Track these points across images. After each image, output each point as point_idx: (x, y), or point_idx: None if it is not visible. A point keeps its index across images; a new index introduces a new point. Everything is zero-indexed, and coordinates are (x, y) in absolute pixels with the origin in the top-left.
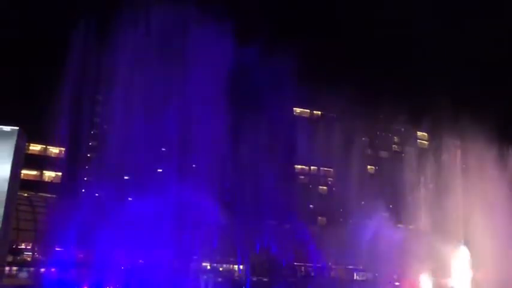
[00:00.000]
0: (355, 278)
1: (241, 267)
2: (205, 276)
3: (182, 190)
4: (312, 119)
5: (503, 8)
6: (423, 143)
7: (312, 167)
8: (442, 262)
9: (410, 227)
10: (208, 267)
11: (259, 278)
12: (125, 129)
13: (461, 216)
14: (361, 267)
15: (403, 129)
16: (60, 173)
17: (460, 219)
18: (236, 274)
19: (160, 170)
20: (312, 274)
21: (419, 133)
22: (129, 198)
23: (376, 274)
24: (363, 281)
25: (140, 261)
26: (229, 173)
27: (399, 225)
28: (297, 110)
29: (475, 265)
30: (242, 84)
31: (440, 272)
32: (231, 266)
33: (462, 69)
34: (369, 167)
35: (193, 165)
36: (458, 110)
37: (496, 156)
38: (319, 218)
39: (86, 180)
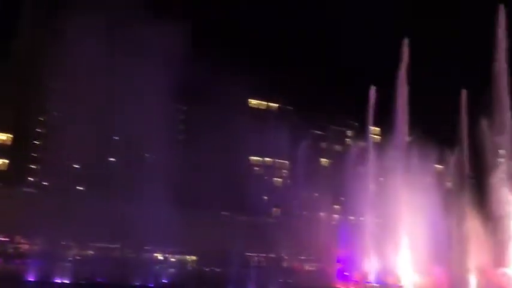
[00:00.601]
0: (306, 268)
1: (193, 258)
2: (157, 267)
3: (133, 181)
4: (268, 111)
5: None
6: (376, 137)
7: (267, 159)
8: None
9: (361, 219)
10: (161, 257)
11: (212, 268)
12: (75, 118)
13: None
14: (312, 258)
15: (357, 124)
16: (7, 161)
17: (401, 215)
18: (189, 265)
19: (113, 159)
20: (264, 264)
21: (372, 128)
22: (79, 188)
23: (324, 265)
24: (313, 271)
25: (90, 252)
26: (181, 164)
27: (350, 218)
28: (253, 101)
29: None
30: (195, 75)
31: None
32: (184, 256)
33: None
34: (322, 160)
35: (146, 155)
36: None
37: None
38: (274, 209)
39: (34, 168)
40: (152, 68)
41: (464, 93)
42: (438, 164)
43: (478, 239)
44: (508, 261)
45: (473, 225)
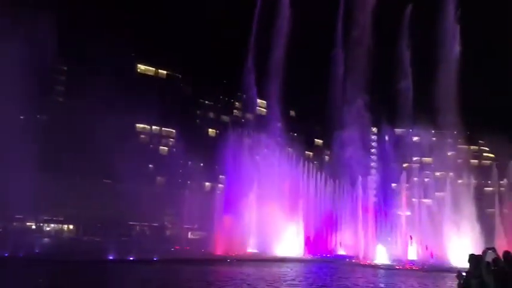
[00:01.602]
0: (189, 236)
1: (70, 227)
2: (29, 236)
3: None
4: (156, 77)
5: None
6: (262, 110)
7: (153, 127)
8: None
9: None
10: (34, 227)
11: (91, 237)
12: None
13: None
14: (196, 227)
15: (244, 96)
16: None
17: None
18: (65, 234)
19: None
20: (147, 233)
21: (259, 100)
22: None
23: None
24: (196, 239)
25: None
26: (60, 128)
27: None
28: (141, 67)
29: None
30: (79, 36)
31: None
32: (60, 225)
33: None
34: (210, 130)
35: (21, 117)
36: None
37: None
38: (158, 178)
39: None
40: (27, 25)
41: None
42: (318, 138)
43: None
44: None
45: None
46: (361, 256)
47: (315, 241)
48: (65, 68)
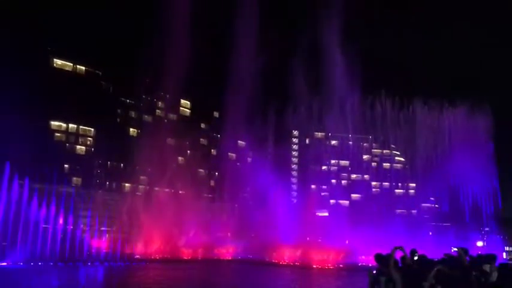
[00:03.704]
0: (106, 239)
1: None
2: None
3: None
4: (74, 73)
5: None
6: (185, 110)
7: (70, 125)
8: None
9: (166, 190)
10: None
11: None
12: None
13: None
14: (113, 229)
15: (167, 96)
16: None
17: None
18: None
19: None
20: (61, 236)
21: (182, 101)
22: None
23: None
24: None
25: None
26: None
27: (156, 188)
28: (58, 62)
29: None
30: None
31: None
32: None
33: None
34: (131, 129)
35: None
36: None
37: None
38: (75, 178)
39: None
40: None
41: None
42: (241, 140)
43: None
44: None
45: None
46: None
47: None
48: None
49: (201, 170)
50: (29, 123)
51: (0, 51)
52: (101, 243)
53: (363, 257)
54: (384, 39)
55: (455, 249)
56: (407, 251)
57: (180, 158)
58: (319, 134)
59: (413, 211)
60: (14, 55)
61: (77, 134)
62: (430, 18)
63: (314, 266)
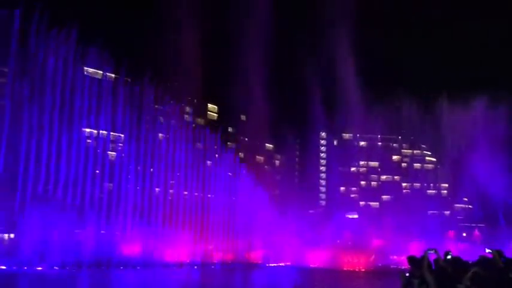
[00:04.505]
0: (138, 242)
1: (11, 235)
2: None
3: None
4: (105, 81)
5: None
6: (213, 115)
7: (101, 132)
8: None
9: (195, 194)
10: None
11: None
12: None
13: None
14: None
15: (195, 100)
16: None
17: None
18: (5, 243)
19: None
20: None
21: (210, 105)
22: None
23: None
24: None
25: None
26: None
27: (185, 193)
28: (89, 70)
29: None
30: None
31: None
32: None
33: None
34: (160, 135)
35: None
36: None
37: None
38: (107, 184)
39: None
40: None
41: None
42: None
43: None
44: None
45: None
46: None
47: None
48: (5, 70)
49: (230, 173)
50: (61, 129)
51: (34, 61)
52: (133, 247)
53: (395, 257)
54: (412, 38)
55: (490, 251)
56: (441, 253)
57: (208, 162)
58: (347, 135)
59: (446, 212)
60: (45, 64)
61: (107, 140)
62: (451, 17)
63: (345, 269)
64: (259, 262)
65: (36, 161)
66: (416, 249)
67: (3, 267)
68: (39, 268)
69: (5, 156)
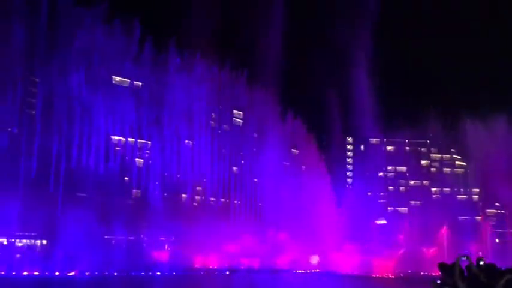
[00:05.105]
0: (166, 248)
1: (44, 242)
2: None
3: None
4: (132, 89)
5: None
6: (238, 121)
7: (129, 139)
8: None
9: (222, 200)
10: (5, 242)
11: (65, 251)
12: None
13: None
14: (172, 239)
15: (220, 107)
16: None
17: None
18: (38, 249)
19: None
20: (124, 246)
21: (235, 111)
22: None
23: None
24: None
25: None
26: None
27: (212, 199)
28: (117, 78)
29: None
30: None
31: None
32: (33, 240)
33: None
34: (186, 141)
35: None
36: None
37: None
38: (135, 190)
39: None
40: None
41: None
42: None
43: None
44: None
45: None
46: None
47: None
48: (37, 80)
49: (255, 179)
50: (89, 137)
51: (62, 70)
52: (161, 253)
53: (424, 263)
54: (441, 40)
55: None
56: (473, 260)
57: (234, 168)
58: (374, 140)
59: (477, 217)
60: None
61: (134, 147)
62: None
63: (373, 275)
64: (287, 268)
65: (66, 169)
66: (447, 255)
67: (37, 273)
68: (71, 273)
69: (38, 165)
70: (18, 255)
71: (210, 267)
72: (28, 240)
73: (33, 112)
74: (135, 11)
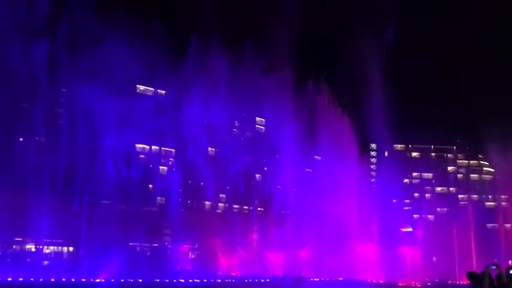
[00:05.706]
0: (190, 256)
1: (70, 249)
2: (28, 260)
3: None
4: (155, 97)
5: None
6: (261, 128)
7: (153, 147)
8: None
9: (245, 207)
10: (33, 249)
11: (94, 258)
12: None
13: None
14: (195, 246)
15: (243, 114)
16: None
17: None
18: (65, 255)
19: None
20: (148, 254)
21: (257, 118)
22: None
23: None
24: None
25: None
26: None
27: (235, 206)
28: (141, 87)
29: None
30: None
31: None
32: (60, 247)
33: None
34: (209, 148)
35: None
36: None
37: None
38: (158, 198)
39: None
40: None
41: None
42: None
43: None
44: None
45: None
46: None
47: None
48: (64, 90)
49: (278, 186)
50: (114, 145)
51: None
52: (185, 260)
53: (453, 272)
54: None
55: None
56: (503, 268)
57: (257, 175)
58: (398, 146)
59: (507, 225)
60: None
61: (158, 155)
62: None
63: (400, 284)
64: (308, 276)
65: (91, 177)
66: (475, 264)
67: (64, 279)
68: (98, 280)
69: (64, 173)
70: (46, 262)
71: (234, 275)
72: (55, 247)
73: (60, 121)
74: (156, 17)
